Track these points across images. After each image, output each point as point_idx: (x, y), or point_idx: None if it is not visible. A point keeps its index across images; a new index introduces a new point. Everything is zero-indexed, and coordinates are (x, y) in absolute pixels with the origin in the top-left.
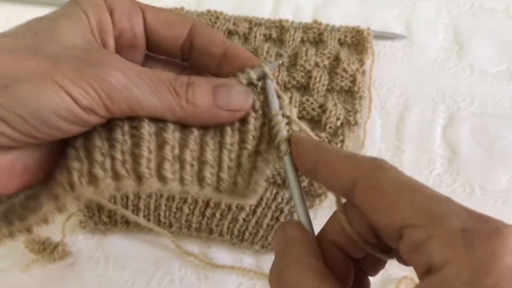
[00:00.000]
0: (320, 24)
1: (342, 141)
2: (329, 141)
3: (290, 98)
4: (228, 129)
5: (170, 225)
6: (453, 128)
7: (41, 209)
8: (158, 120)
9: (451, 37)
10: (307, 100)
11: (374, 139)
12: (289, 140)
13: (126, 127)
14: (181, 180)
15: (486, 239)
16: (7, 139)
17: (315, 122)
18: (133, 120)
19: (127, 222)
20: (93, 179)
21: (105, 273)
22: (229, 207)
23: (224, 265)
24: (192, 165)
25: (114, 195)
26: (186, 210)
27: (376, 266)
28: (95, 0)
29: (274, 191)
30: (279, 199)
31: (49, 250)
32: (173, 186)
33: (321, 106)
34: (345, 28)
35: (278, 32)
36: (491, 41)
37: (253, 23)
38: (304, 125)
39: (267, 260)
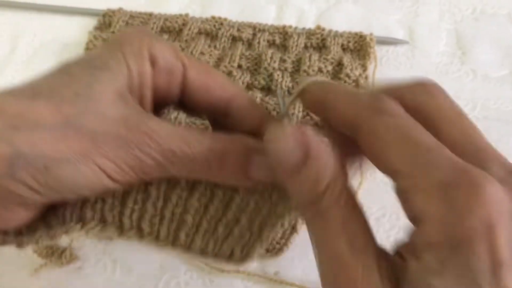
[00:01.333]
0: (323, 29)
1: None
2: None
3: (294, 104)
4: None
5: None
6: None
7: (35, 232)
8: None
9: (454, 42)
10: None
11: None
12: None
13: None
14: (157, 235)
15: (462, 192)
16: (34, 204)
17: (319, 127)
18: None
19: None
20: (82, 217)
21: (112, 277)
22: None
23: (228, 269)
24: (171, 221)
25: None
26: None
27: None
28: (139, 50)
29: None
30: None
31: (57, 255)
32: (148, 239)
33: None
34: (348, 34)
35: (281, 38)
36: (494, 45)
37: (257, 29)
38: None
39: (272, 264)
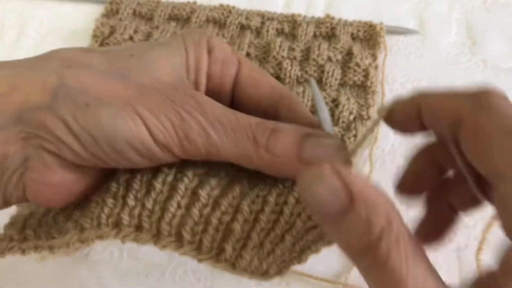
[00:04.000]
0: (333, 18)
1: (355, 136)
2: (342, 136)
3: (303, 92)
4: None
5: None
6: None
7: (65, 236)
8: (204, 174)
9: (464, 32)
10: None
11: (387, 134)
12: None
13: (170, 178)
14: (200, 245)
15: None
16: (75, 157)
17: None
18: (179, 172)
19: None
20: (118, 223)
21: (119, 264)
22: None
23: None
24: (216, 230)
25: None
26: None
27: (470, 203)
28: (199, 39)
29: None
30: None
31: None
32: (189, 249)
33: (334, 101)
34: (357, 23)
35: (290, 27)
36: (504, 36)
37: (265, 18)
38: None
39: None
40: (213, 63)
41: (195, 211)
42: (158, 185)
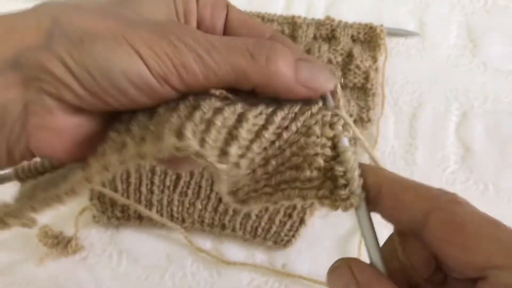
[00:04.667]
0: (333, 20)
1: (355, 138)
2: None
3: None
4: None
5: (183, 221)
6: (467, 126)
7: (71, 178)
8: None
9: (465, 34)
10: None
11: (387, 136)
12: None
13: (173, 104)
14: (202, 141)
15: None
16: (75, 97)
17: None
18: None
19: (140, 217)
20: (123, 146)
21: (118, 267)
22: None
23: (235, 261)
24: (218, 132)
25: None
26: (199, 205)
27: None
28: None
29: None
30: None
31: (62, 244)
32: (191, 145)
33: None
34: (358, 25)
35: (290, 28)
36: (505, 38)
37: (265, 19)
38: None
39: (279, 256)
40: (202, 7)
41: (195, 116)
42: (161, 109)
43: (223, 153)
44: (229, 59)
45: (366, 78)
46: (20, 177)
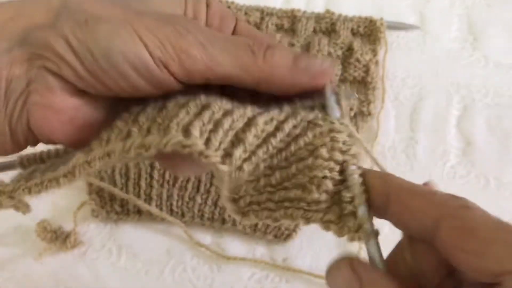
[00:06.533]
0: (333, 14)
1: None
2: None
3: None
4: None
5: (183, 215)
6: (468, 119)
7: (72, 159)
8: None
9: (465, 27)
10: None
11: (387, 130)
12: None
13: (184, 99)
14: (207, 142)
15: None
16: (75, 76)
17: None
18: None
19: (139, 212)
20: (128, 135)
21: (117, 262)
22: None
23: (236, 256)
24: (225, 134)
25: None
26: (198, 199)
27: None
28: None
29: None
30: None
31: (61, 239)
32: (197, 143)
33: None
34: (358, 18)
35: (290, 22)
36: (506, 31)
37: (264, 13)
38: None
39: (280, 251)
40: (211, 16)
41: (205, 115)
42: (170, 104)
43: (227, 155)
44: (233, 51)
45: (366, 71)
46: (25, 165)
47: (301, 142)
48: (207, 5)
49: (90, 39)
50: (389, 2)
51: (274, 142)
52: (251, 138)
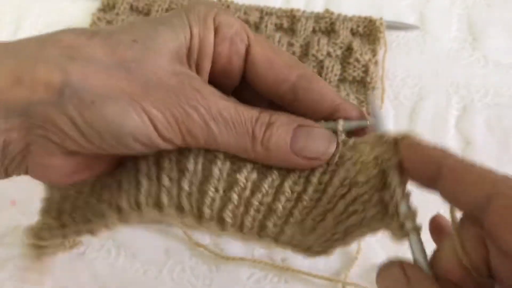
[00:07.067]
0: (332, 13)
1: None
2: None
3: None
4: (314, 178)
5: None
6: (467, 119)
7: (103, 218)
8: (236, 157)
9: (465, 27)
10: None
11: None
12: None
13: (200, 159)
14: (241, 226)
15: None
16: (79, 148)
17: None
18: (209, 153)
19: None
20: (158, 203)
21: (116, 262)
22: None
23: (234, 256)
24: (257, 211)
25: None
26: None
27: None
28: (204, 18)
29: None
30: None
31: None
32: (231, 230)
33: None
34: (357, 18)
35: (289, 22)
36: (506, 31)
37: (264, 13)
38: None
39: (279, 251)
40: (220, 42)
41: (234, 195)
42: (190, 166)
43: (262, 226)
44: (233, 134)
45: (366, 71)
46: None
47: (336, 182)
48: (216, 30)
49: (99, 121)
50: (388, 2)
51: (307, 197)
52: (281, 207)
